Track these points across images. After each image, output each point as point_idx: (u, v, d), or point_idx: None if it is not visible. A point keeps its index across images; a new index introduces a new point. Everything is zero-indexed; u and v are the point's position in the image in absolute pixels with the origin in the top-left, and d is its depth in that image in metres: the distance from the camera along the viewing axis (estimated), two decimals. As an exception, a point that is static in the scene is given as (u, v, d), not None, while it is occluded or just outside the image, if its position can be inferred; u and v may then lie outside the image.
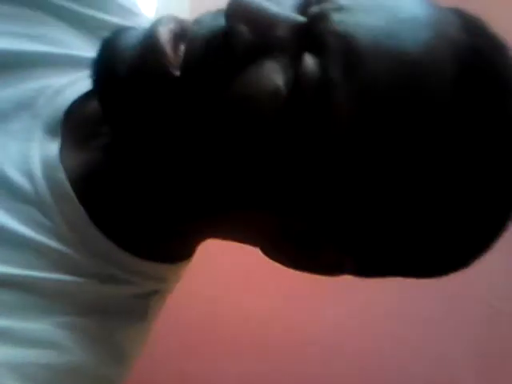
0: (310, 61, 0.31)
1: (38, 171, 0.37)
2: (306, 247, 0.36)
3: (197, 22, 0.34)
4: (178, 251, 0.43)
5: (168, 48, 0.32)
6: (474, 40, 0.33)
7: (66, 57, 0.43)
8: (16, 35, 0.41)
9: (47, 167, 0.38)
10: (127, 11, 0.48)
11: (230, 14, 0.32)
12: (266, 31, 0.32)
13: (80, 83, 0.41)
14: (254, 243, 0.39)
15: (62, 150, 0.38)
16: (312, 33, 0.32)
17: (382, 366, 0.99)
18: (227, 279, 0.96)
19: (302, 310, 0.98)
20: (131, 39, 0.34)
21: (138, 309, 0.40)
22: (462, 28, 0.33)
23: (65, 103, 0.40)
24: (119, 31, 0.36)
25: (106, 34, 0.43)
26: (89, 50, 0.43)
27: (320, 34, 0.32)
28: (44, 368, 0.34)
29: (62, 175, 0.38)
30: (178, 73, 0.32)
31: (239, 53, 0.32)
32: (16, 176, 0.37)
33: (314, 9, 0.33)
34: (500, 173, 0.33)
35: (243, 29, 0.32)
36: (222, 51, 0.32)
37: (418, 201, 0.33)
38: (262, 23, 0.32)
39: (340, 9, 0.32)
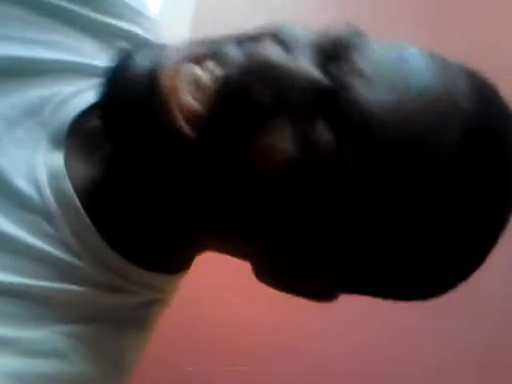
0: (325, 130, 0.32)
1: (44, 181, 0.37)
2: (295, 276, 0.38)
3: (215, 58, 0.34)
4: (178, 263, 0.43)
5: (174, 104, 0.32)
6: (480, 108, 0.34)
7: (77, 64, 0.42)
8: (28, 41, 0.41)
9: (53, 177, 0.38)
10: (139, 15, 0.47)
11: (250, 72, 0.33)
12: (285, 92, 0.33)
13: (88, 92, 0.41)
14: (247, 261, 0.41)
15: (67, 160, 0.38)
16: (329, 97, 0.33)
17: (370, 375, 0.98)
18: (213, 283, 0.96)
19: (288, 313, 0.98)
20: (140, 72, 0.34)
21: (138, 318, 0.41)
22: (471, 95, 0.34)
23: (71, 113, 0.40)
24: (130, 53, 0.35)
25: (118, 41, 0.44)
26: (101, 58, 0.43)
27: (337, 103, 0.32)
28: (45, 377, 0.34)
29: (67, 185, 0.38)
30: (192, 134, 0.33)
31: (257, 115, 0.33)
32: (23, 185, 0.37)
33: (334, 70, 0.33)
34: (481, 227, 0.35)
35: (263, 92, 0.32)
36: (239, 111, 0.33)
37: (406, 245, 0.35)
38: (281, 84, 0.33)
39: (359, 75, 0.32)
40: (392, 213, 0.33)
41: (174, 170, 0.35)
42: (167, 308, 0.45)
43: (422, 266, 0.36)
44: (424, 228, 0.34)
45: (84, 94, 0.41)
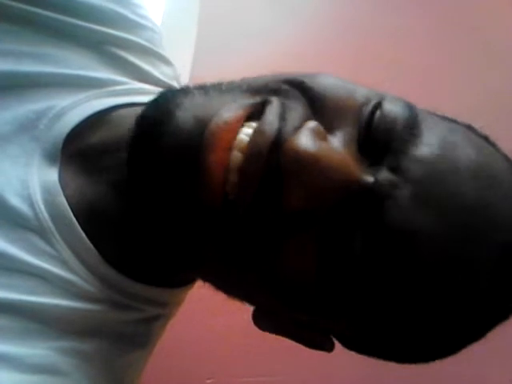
0: (359, 248, 0.30)
1: (37, 197, 0.36)
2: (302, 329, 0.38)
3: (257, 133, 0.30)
4: (181, 278, 0.42)
5: (219, 178, 0.30)
6: None
7: (71, 77, 0.41)
8: (19, 55, 0.40)
9: (47, 193, 0.37)
10: (136, 25, 0.46)
11: (290, 171, 0.29)
12: (324, 197, 0.29)
13: (84, 105, 0.40)
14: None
15: (62, 175, 0.38)
16: (370, 206, 0.30)
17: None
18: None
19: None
20: (186, 125, 0.31)
21: (141, 335, 0.40)
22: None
23: (65, 127, 0.39)
24: (174, 96, 0.33)
25: (115, 49, 0.43)
26: (93, 68, 0.42)
27: (380, 216, 0.30)
28: None
29: (62, 201, 0.37)
30: (219, 206, 0.30)
31: (287, 219, 0.30)
32: (15, 201, 0.36)
33: (381, 175, 0.30)
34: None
35: (298, 200, 0.29)
36: (271, 208, 0.30)
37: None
38: (319, 187, 0.29)
39: (407, 187, 0.30)
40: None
41: (184, 226, 0.33)
42: (173, 319, 0.44)
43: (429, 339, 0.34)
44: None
45: (79, 108, 0.40)
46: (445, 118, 0.37)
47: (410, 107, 0.33)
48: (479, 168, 0.32)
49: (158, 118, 0.32)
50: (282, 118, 0.31)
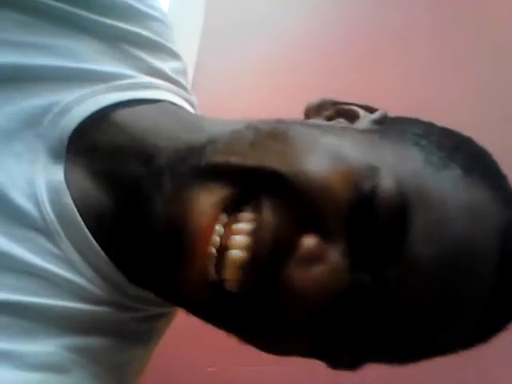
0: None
1: (43, 197, 0.36)
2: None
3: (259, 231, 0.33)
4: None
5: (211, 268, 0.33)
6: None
7: (76, 70, 0.40)
8: (24, 46, 0.38)
9: (53, 192, 0.36)
10: (148, 17, 0.44)
11: (287, 299, 0.32)
12: (317, 311, 0.32)
13: (90, 100, 0.39)
14: None
15: (67, 174, 0.37)
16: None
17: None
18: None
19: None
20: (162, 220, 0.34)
21: (143, 332, 0.40)
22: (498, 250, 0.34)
23: (71, 124, 0.38)
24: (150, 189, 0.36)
25: (125, 44, 0.42)
26: (105, 62, 0.41)
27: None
28: None
29: (69, 201, 0.36)
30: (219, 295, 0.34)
31: (282, 323, 0.34)
32: (21, 201, 0.35)
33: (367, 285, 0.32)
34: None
35: (293, 315, 0.33)
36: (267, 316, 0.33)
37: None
38: (316, 309, 0.32)
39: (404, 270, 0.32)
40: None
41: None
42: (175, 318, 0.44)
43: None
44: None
45: (85, 103, 0.39)
46: (439, 146, 0.37)
47: (401, 192, 0.33)
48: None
49: (135, 221, 0.35)
50: (279, 222, 0.32)
